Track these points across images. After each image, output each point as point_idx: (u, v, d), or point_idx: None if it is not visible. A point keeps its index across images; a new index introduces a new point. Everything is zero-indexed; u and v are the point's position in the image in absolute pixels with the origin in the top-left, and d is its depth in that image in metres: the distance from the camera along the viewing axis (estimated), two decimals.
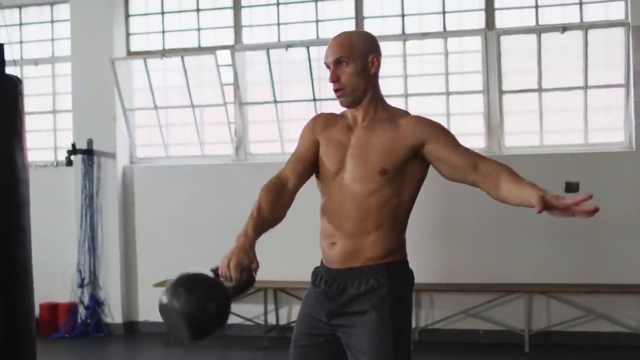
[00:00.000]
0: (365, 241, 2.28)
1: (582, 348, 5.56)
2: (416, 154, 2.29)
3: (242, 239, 2.15)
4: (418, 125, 2.30)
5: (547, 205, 2.00)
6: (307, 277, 6.93)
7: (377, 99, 2.38)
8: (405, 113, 2.39)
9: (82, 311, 6.54)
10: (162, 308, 2.07)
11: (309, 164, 2.39)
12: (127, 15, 6.80)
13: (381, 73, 7.08)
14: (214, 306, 2.05)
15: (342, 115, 2.43)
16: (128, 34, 6.80)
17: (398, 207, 2.31)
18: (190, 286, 2.06)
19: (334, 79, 2.31)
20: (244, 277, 2.08)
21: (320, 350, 2.35)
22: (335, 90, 2.33)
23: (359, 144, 2.31)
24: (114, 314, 6.56)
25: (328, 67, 2.34)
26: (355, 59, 2.31)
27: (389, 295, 2.27)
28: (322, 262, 2.42)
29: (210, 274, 2.12)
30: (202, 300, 2.03)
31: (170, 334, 6.20)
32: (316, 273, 2.43)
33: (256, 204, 2.26)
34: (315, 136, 2.41)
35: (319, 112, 2.47)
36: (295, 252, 6.09)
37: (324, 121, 2.44)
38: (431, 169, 2.36)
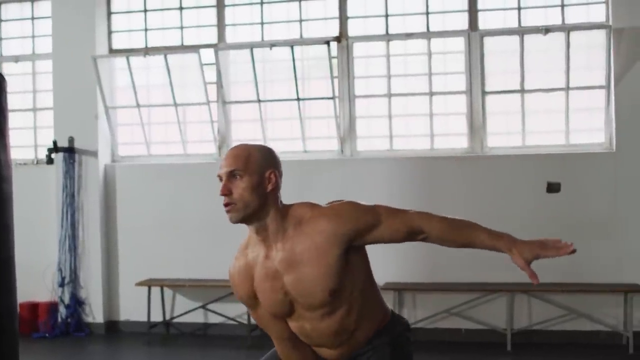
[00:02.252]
0: (353, 339, 2.25)
1: (563, 346, 5.61)
2: (348, 250, 2.15)
3: None
4: (335, 231, 2.11)
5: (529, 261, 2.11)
6: None
7: (280, 215, 2.16)
8: (309, 213, 2.17)
9: (62, 310, 6.49)
10: None
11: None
12: (109, 13, 6.76)
13: (365, 73, 7.05)
14: None
15: (253, 249, 2.24)
16: (110, 32, 6.76)
17: (362, 291, 2.22)
18: None
19: (225, 192, 2.11)
20: None
21: None
22: (225, 205, 2.13)
23: (292, 282, 2.15)
24: (95, 313, 6.52)
25: (221, 179, 2.15)
26: (251, 174, 2.12)
27: (390, 353, 2.27)
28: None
29: None
30: None
31: (151, 333, 6.17)
32: None
33: None
34: (253, 294, 2.25)
35: (229, 271, 2.30)
36: None
37: (243, 277, 2.24)
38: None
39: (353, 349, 2.26)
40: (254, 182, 2.12)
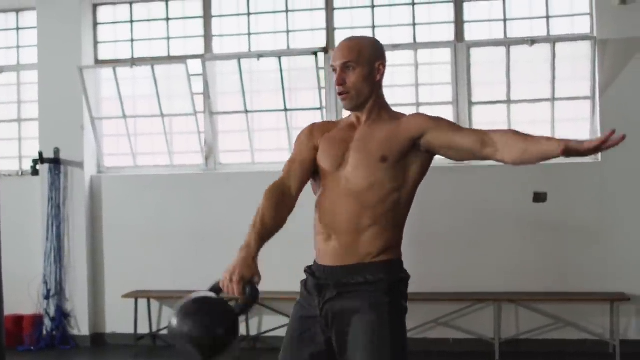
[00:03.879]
0: (362, 237, 2.28)
1: (550, 355, 5.63)
2: (418, 145, 2.31)
3: (244, 252, 2.14)
4: (418, 117, 2.38)
5: (571, 153, 2.07)
6: (276, 287, 6.93)
7: (381, 103, 2.42)
8: (406, 114, 2.45)
9: (47, 323, 6.42)
10: (172, 335, 2.10)
11: (309, 168, 2.40)
12: (95, 24, 6.73)
13: None
14: (223, 330, 2.07)
15: (341, 120, 2.50)
16: (96, 42, 6.73)
17: (396, 204, 2.31)
18: (197, 314, 2.08)
19: (340, 82, 2.35)
20: (248, 293, 2.08)
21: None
22: (340, 94, 2.37)
23: (361, 137, 2.36)
24: (81, 326, 6.46)
25: (334, 70, 2.37)
26: (363, 65, 2.34)
27: (387, 294, 2.26)
28: (315, 262, 2.40)
29: (213, 295, 2.14)
30: (211, 326, 2.06)
31: (137, 345, 6.12)
32: (309, 271, 2.40)
33: (259, 212, 2.25)
34: (314, 142, 2.43)
35: (313, 122, 2.55)
36: (265, 263, 6.05)
37: (321, 127, 2.49)
38: None
39: (354, 251, 2.27)
40: (366, 72, 2.35)
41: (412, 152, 2.32)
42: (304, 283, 2.41)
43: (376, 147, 2.31)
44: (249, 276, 2.09)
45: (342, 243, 2.28)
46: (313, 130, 2.47)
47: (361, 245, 2.28)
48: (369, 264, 2.27)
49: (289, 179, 2.36)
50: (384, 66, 2.40)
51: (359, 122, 2.41)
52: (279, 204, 2.29)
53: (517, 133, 2.23)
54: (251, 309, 2.16)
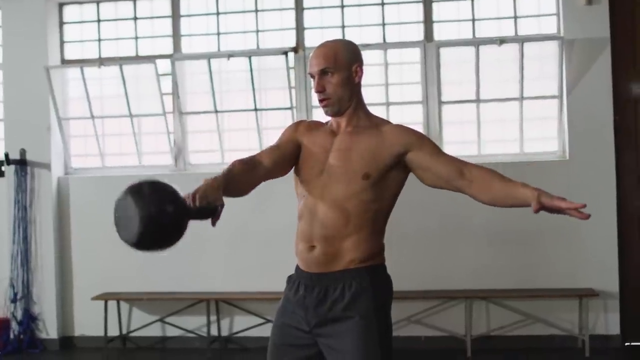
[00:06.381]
0: (346, 244, 2.28)
1: (521, 351, 5.69)
2: (399, 162, 2.32)
3: (210, 179, 2.09)
4: (403, 133, 2.35)
5: (543, 207, 2.12)
6: (248, 287, 6.90)
7: (361, 107, 2.42)
8: (387, 122, 2.44)
9: (15, 327, 6.32)
10: (119, 203, 2.06)
11: (285, 155, 2.38)
12: (62, 23, 6.64)
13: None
14: (172, 209, 1.99)
15: (325, 123, 2.50)
16: (62, 42, 6.64)
17: (377, 213, 2.32)
18: (154, 186, 2.03)
19: (320, 89, 2.35)
20: (206, 203, 2.02)
21: None
22: (321, 100, 2.38)
23: (342, 147, 2.35)
24: (49, 329, 6.36)
25: (312, 77, 2.37)
26: (340, 70, 2.34)
27: (373, 300, 2.27)
28: (298, 267, 2.39)
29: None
30: (163, 200, 1.99)
31: (107, 348, 6.05)
32: (293, 279, 2.40)
33: (228, 167, 2.21)
34: (297, 136, 2.43)
35: (300, 119, 2.58)
36: (236, 263, 6.04)
37: (307, 125, 2.51)
38: None
39: (338, 259, 2.27)
40: (344, 76, 2.35)
41: (395, 167, 2.33)
42: (290, 289, 2.39)
43: (359, 161, 2.30)
44: (212, 196, 2.03)
45: (327, 251, 2.29)
46: (298, 126, 2.49)
47: (346, 252, 2.29)
48: (354, 270, 2.28)
49: (263, 157, 2.34)
50: (361, 68, 2.39)
51: (339, 128, 2.40)
52: (248, 171, 2.24)
53: (495, 174, 2.27)
54: (203, 218, 2.05)
